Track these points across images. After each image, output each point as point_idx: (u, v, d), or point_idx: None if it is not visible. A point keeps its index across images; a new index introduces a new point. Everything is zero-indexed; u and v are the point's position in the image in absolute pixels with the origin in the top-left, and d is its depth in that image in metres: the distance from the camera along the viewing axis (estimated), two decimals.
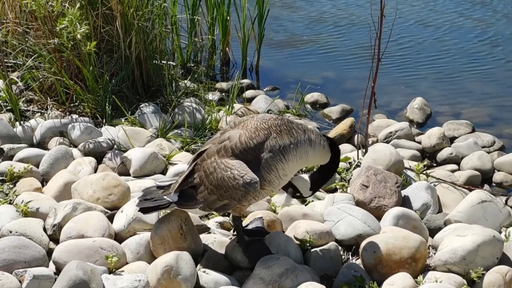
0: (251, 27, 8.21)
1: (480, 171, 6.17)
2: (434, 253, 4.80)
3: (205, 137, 6.43)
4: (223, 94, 7.64)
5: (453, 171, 6.17)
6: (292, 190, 4.75)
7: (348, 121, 6.75)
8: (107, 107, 6.61)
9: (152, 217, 4.88)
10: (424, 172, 5.88)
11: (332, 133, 6.64)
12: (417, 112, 7.34)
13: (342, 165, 5.90)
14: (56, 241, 4.86)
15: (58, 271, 4.51)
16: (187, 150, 6.24)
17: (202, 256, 4.71)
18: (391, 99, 7.73)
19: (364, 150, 6.15)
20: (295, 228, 4.88)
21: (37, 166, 5.78)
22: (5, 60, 6.85)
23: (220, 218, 5.17)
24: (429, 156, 6.55)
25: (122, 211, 5.01)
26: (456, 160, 6.42)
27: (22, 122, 6.47)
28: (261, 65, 8.47)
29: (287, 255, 4.61)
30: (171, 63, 7.54)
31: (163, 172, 5.86)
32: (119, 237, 4.89)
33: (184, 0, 8.00)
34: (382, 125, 6.98)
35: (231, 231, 5.04)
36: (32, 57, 6.83)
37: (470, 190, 5.53)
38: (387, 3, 5.88)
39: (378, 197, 5.27)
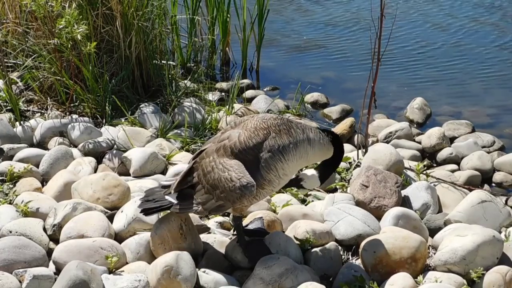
0: (251, 27, 8.21)
1: (480, 171, 6.17)
2: (434, 253, 4.80)
3: (205, 137, 6.43)
4: (223, 94, 7.63)
5: (453, 171, 6.17)
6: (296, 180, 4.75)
7: (348, 121, 6.76)
8: (107, 107, 6.61)
9: (152, 217, 4.88)
10: (424, 172, 5.88)
11: None
12: (417, 112, 7.34)
13: (342, 165, 5.90)
14: (56, 241, 4.86)
15: (58, 271, 4.51)
16: (187, 150, 6.24)
17: (202, 256, 4.71)
18: (391, 99, 7.73)
19: (364, 150, 6.15)
20: (295, 228, 4.87)
21: (37, 166, 5.77)
22: (5, 60, 6.85)
23: (220, 218, 5.16)
24: (429, 156, 6.55)
25: (122, 211, 5.00)
26: (456, 160, 6.42)
27: (22, 122, 6.46)
28: (261, 65, 8.46)
29: (287, 255, 4.61)
30: (171, 63, 7.53)
31: (163, 172, 5.86)
32: (119, 237, 4.88)
33: (184, 0, 7.99)
34: (382, 125, 6.97)
35: (231, 231, 5.04)
36: (32, 57, 6.83)
37: (470, 190, 5.53)
38: (387, 3, 5.87)
39: (378, 197, 5.27)
